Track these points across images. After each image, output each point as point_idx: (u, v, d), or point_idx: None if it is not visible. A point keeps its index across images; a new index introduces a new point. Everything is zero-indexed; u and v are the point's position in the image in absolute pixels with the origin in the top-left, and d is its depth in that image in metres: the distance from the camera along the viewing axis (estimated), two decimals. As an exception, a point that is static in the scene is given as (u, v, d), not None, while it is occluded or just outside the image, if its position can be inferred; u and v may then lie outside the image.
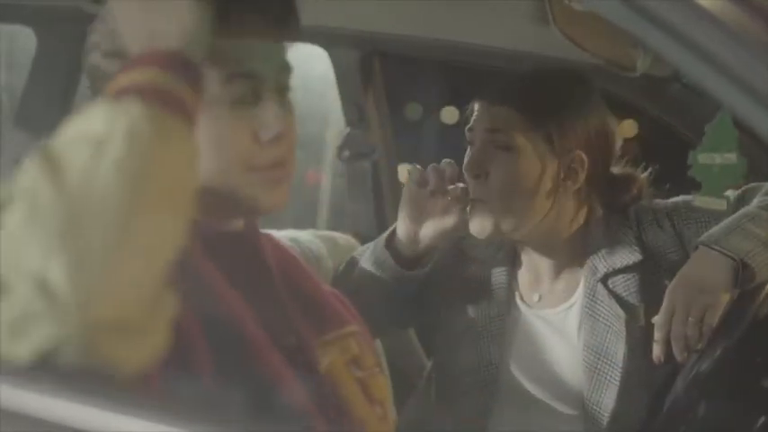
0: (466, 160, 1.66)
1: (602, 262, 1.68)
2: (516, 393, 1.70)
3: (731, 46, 0.95)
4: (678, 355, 1.50)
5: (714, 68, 0.96)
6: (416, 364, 2.11)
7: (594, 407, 1.65)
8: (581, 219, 1.71)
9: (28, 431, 0.92)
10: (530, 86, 1.70)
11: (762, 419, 1.41)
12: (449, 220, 1.66)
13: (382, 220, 2.28)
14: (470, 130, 1.68)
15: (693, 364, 1.52)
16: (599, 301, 1.67)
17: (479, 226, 1.65)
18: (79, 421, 0.90)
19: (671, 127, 2.07)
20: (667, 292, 1.52)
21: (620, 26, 1.00)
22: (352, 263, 1.76)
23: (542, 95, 1.68)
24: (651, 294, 1.65)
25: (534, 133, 1.64)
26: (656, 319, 1.52)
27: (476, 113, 1.69)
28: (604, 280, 1.68)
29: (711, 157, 1.40)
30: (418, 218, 1.66)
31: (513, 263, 1.75)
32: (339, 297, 1.33)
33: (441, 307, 1.76)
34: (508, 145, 1.64)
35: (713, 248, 1.52)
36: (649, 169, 1.78)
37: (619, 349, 1.64)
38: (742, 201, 1.64)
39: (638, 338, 1.64)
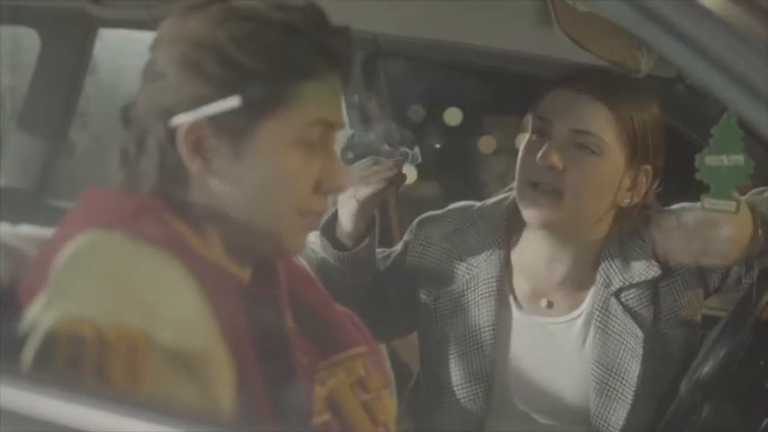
0: (541, 151, 1.55)
1: (617, 275, 1.61)
2: (511, 406, 1.65)
3: (735, 47, 0.95)
4: (660, 248, 1.51)
5: (718, 69, 0.95)
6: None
7: (602, 423, 1.61)
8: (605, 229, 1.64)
9: (28, 431, 0.92)
10: (623, 90, 1.59)
11: (765, 421, 1.41)
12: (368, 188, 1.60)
13: (385, 221, 2.28)
14: (542, 119, 1.58)
15: (697, 367, 1.51)
16: (612, 316, 1.61)
17: (537, 213, 1.57)
18: (79, 421, 0.90)
19: (675, 128, 2.06)
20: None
21: (624, 27, 0.99)
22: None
23: (636, 104, 1.58)
24: (664, 307, 1.61)
25: (623, 140, 1.56)
26: (685, 217, 1.47)
27: (555, 105, 1.58)
28: (618, 294, 1.62)
29: (719, 159, 1.39)
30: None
31: (506, 267, 1.67)
32: (351, 316, 1.33)
33: (429, 313, 1.69)
34: (596, 148, 1.54)
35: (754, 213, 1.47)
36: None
37: (633, 368, 1.60)
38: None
39: (653, 355, 1.60)
